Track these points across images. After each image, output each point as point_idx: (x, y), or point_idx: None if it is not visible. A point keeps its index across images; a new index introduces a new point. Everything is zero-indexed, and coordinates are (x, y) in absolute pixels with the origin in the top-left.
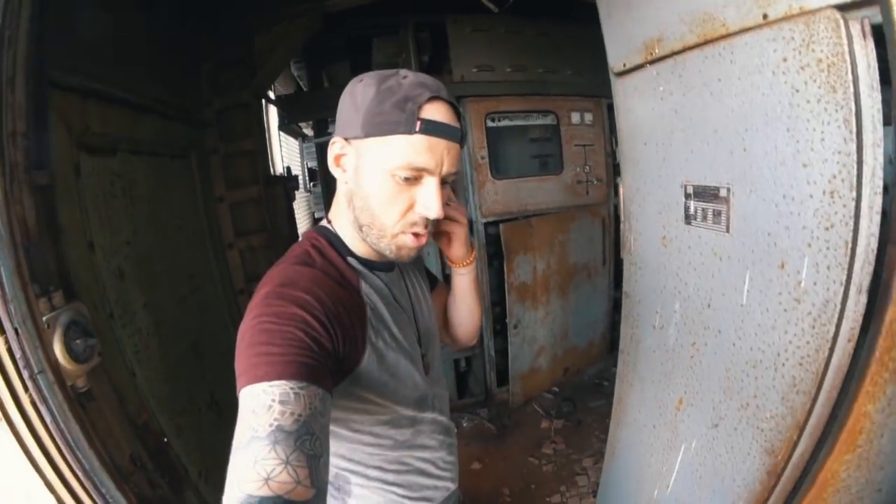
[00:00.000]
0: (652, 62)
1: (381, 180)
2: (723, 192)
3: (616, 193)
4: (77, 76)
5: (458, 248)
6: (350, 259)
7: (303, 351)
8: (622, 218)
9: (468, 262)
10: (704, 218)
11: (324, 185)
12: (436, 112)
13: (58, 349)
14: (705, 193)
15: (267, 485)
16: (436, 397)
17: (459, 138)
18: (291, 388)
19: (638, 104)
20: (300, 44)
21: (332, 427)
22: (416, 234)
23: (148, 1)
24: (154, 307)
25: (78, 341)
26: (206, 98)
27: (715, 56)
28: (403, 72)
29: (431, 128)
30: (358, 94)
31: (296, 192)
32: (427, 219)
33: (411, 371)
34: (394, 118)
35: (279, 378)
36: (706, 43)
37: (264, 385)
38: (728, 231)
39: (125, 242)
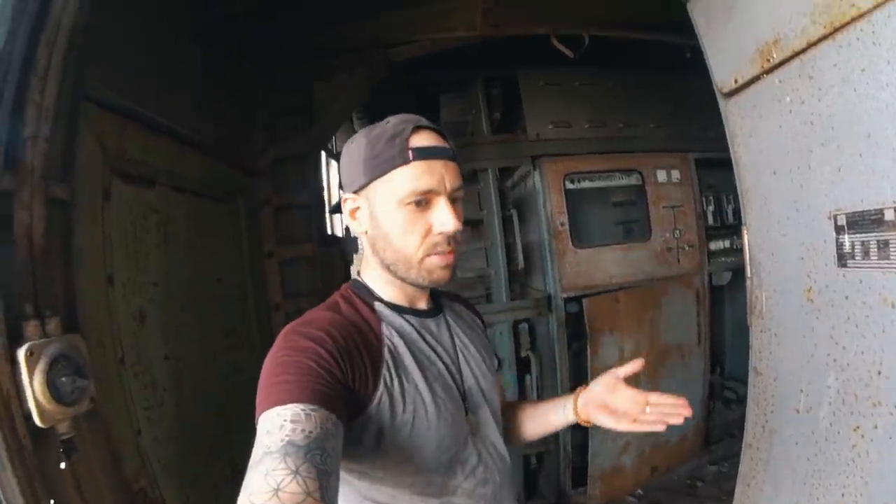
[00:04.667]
0: (770, 70)
1: (394, 214)
2: (889, 215)
3: (710, 260)
4: (119, 95)
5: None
6: (376, 304)
7: (314, 378)
8: (748, 273)
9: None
10: (866, 254)
11: None
12: (423, 139)
13: (37, 383)
14: (864, 221)
15: (277, 496)
16: (480, 463)
17: (451, 155)
18: (303, 410)
19: (760, 124)
20: (364, 94)
21: (347, 475)
22: (439, 254)
23: (204, 36)
24: (177, 361)
25: (64, 379)
26: (260, 146)
27: (851, 42)
28: (388, 118)
29: (423, 152)
30: (353, 151)
31: (354, 255)
32: (448, 236)
33: (436, 426)
34: (389, 155)
35: (291, 402)
36: (836, 31)
37: (278, 409)
38: None
39: (151, 283)
